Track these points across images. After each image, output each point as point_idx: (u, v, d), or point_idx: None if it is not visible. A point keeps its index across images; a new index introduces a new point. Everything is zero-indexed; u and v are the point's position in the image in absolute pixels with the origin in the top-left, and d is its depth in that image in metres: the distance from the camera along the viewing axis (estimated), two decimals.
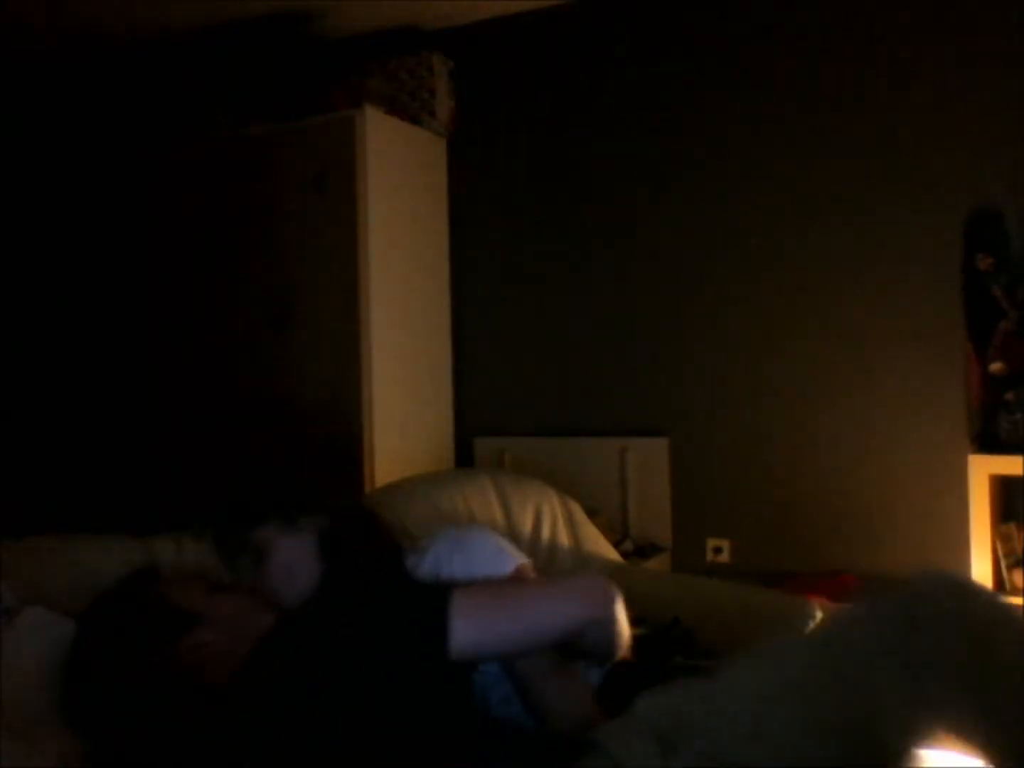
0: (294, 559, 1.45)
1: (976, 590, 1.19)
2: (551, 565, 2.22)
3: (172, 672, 1.23)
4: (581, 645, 1.35)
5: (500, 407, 3.02)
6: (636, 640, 1.88)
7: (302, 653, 1.22)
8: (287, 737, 1.13)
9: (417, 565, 1.48)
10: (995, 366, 2.30)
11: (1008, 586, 2.17)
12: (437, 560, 1.46)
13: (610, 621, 1.33)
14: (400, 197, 2.85)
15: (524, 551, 2.16)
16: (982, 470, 2.19)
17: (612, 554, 2.38)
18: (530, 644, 1.31)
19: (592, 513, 2.48)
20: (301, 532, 1.47)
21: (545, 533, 2.24)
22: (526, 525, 2.22)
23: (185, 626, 1.27)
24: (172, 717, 1.19)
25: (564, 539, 2.28)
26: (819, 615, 2.03)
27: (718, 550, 2.70)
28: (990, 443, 2.27)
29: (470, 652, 1.24)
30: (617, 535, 2.67)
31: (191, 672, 1.24)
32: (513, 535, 2.18)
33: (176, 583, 1.39)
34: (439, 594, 1.26)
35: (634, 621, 1.95)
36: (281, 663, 1.22)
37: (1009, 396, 2.27)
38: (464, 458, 3.04)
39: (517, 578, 1.46)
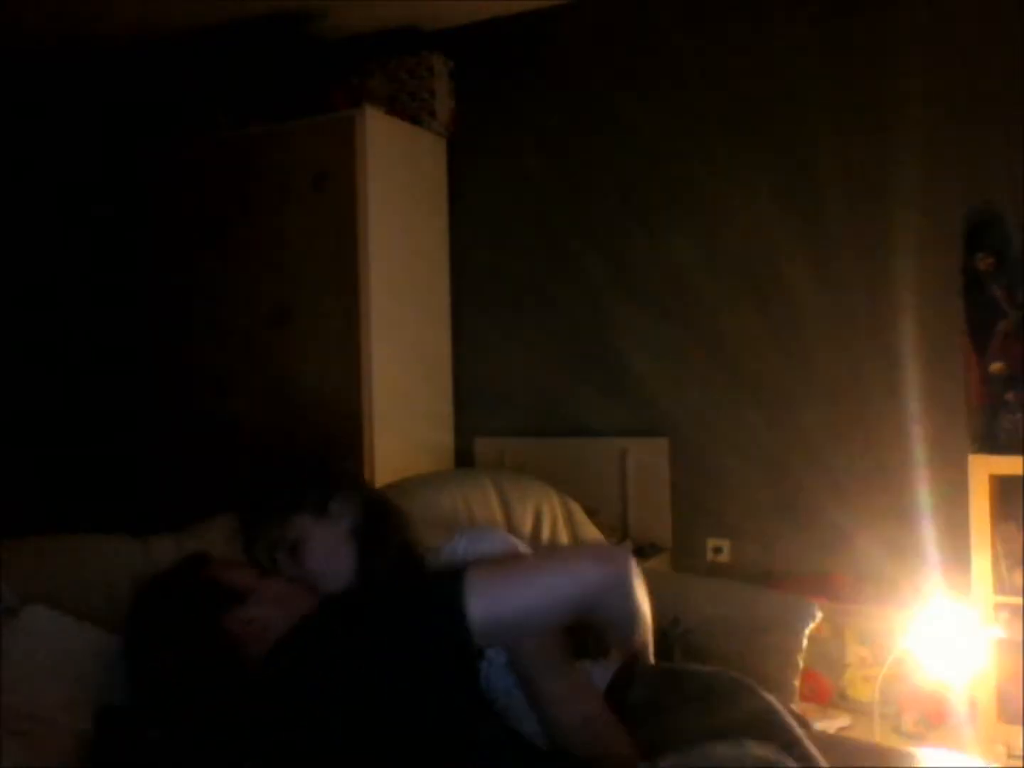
0: (331, 547, 1.46)
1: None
2: None
3: (220, 644, 1.28)
4: (598, 619, 1.34)
5: (500, 407, 3.01)
6: None
7: (322, 647, 1.24)
8: (304, 724, 1.15)
9: (436, 561, 1.50)
10: (995, 366, 2.30)
11: (1008, 586, 2.17)
12: (453, 552, 1.47)
13: (626, 588, 1.32)
14: (400, 197, 2.85)
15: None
16: (982, 470, 2.19)
17: None
18: (549, 612, 1.29)
19: (592, 513, 2.48)
20: (333, 519, 1.49)
21: (545, 533, 2.25)
22: (526, 525, 2.23)
23: (235, 600, 1.32)
24: (216, 688, 1.24)
25: (564, 539, 2.28)
26: (819, 615, 2.03)
27: (718, 550, 2.70)
28: (990, 443, 2.27)
29: (490, 625, 1.22)
30: (617, 535, 2.67)
31: (238, 646, 1.28)
32: (513, 535, 2.19)
33: (228, 564, 1.43)
34: (453, 573, 1.26)
35: None
36: (300, 655, 1.23)
37: (1009, 396, 2.27)
38: (464, 458, 3.03)
39: None
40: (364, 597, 1.35)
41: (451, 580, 1.24)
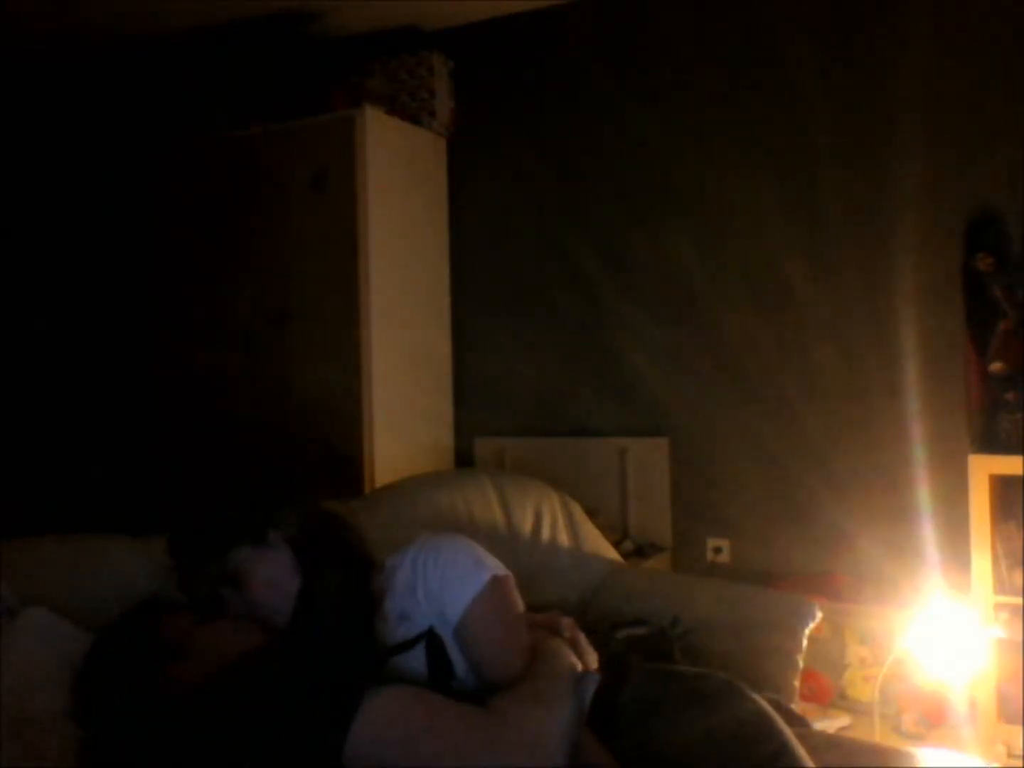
0: (274, 576, 1.43)
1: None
2: (551, 565, 2.22)
3: (157, 696, 1.28)
4: None
5: (500, 407, 3.01)
6: (636, 640, 1.89)
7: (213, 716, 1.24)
8: None
9: (394, 572, 1.45)
10: (995, 366, 2.30)
11: (1008, 586, 2.17)
12: (414, 569, 1.41)
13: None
14: (400, 197, 2.85)
15: (524, 551, 2.17)
16: (982, 470, 2.19)
17: (612, 554, 2.39)
18: None
19: (592, 513, 2.48)
20: (274, 547, 1.45)
21: (545, 533, 2.25)
22: (526, 525, 2.23)
23: (168, 658, 1.31)
24: (157, 735, 1.24)
25: (564, 539, 2.28)
26: (819, 615, 2.03)
27: (718, 550, 2.70)
28: (990, 443, 2.27)
29: (365, 761, 1.16)
30: (617, 535, 2.67)
31: (173, 696, 1.27)
32: (513, 535, 2.19)
33: (169, 616, 1.41)
34: (350, 698, 1.18)
35: (634, 621, 1.96)
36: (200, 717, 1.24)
37: (1009, 396, 2.27)
38: (464, 458, 3.03)
39: (497, 592, 1.39)
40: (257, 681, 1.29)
41: (344, 709, 1.17)
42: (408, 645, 1.39)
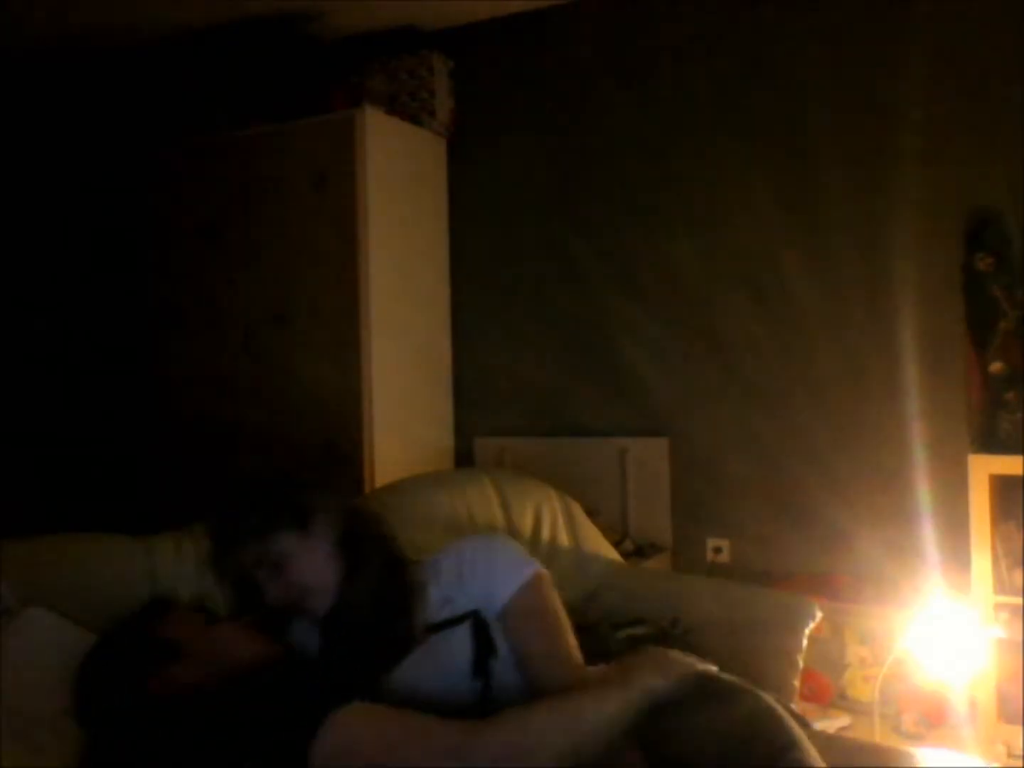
0: (316, 564, 1.44)
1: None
2: (551, 565, 2.22)
3: (151, 696, 1.28)
4: None
5: (500, 407, 3.02)
6: (636, 640, 1.89)
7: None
8: None
9: (439, 565, 1.49)
10: (995, 366, 2.30)
11: (1008, 586, 2.17)
12: (461, 559, 1.47)
13: None
14: (400, 197, 2.85)
15: None
16: (982, 470, 2.19)
17: (612, 554, 2.38)
18: None
19: (592, 513, 2.48)
20: (317, 535, 1.46)
21: (545, 533, 2.25)
22: (526, 525, 2.22)
23: (167, 658, 1.32)
24: (154, 735, 1.24)
25: (564, 539, 2.28)
26: (819, 615, 2.03)
27: (718, 550, 2.70)
28: (990, 443, 2.27)
29: None
30: (617, 535, 2.66)
31: (168, 697, 1.28)
32: (513, 535, 2.18)
33: (175, 616, 1.42)
34: (317, 709, 1.17)
35: (634, 621, 1.96)
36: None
37: (1009, 396, 2.27)
38: (464, 458, 3.03)
39: (543, 585, 1.45)
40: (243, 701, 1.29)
41: (310, 723, 1.15)
42: (452, 622, 1.43)
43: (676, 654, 1.38)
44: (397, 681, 1.38)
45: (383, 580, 1.46)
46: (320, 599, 1.42)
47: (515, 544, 1.55)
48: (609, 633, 1.88)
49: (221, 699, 1.25)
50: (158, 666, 1.31)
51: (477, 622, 1.43)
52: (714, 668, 1.39)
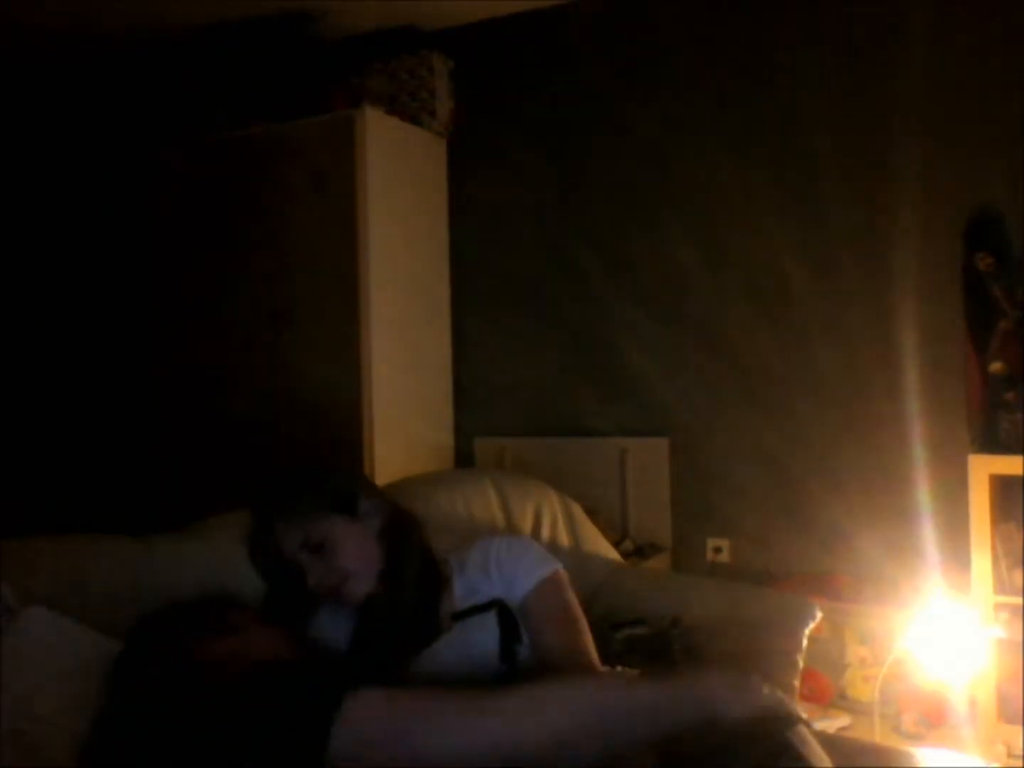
0: (361, 548, 1.46)
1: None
2: None
3: (192, 663, 1.28)
4: None
5: (500, 407, 3.02)
6: (636, 640, 1.89)
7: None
8: None
9: (464, 560, 1.54)
10: (995, 366, 2.30)
11: (1008, 586, 2.17)
12: (486, 555, 1.52)
13: None
14: (400, 197, 2.85)
15: None
16: (982, 470, 2.19)
17: (612, 554, 2.39)
18: None
19: (592, 513, 2.48)
20: (364, 519, 1.48)
21: (545, 533, 2.25)
22: (526, 525, 2.22)
23: (217, 632, 1.34)
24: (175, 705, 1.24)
25: (564, 539, 2.28)
26: (819, 615, 2.03)
27: (718, 550, 2.70)
28: (990, 443, 2.27)
29: (350, 761, 1.13)
30: (617, 535, 2.67)
31: (207, 668, 1.28)
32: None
33: (236, 606, 1.44)
34: (334, 692, 1.15)
35: (634, 621, 1.96)
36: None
37: (1009, 396, 2.27)
38: (464, 458, 3.03)
39: (563, 579, 1.51)
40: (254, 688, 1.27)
41: (327, 703, 1.14)
42: (476, 610, 1.47)
43: (762, 683, 1.23)
44: (422, 667, 1.41)
45: (421, 571, 1.49)
46: (360, 585, 1.43)
47: (539, 545, 1.61)
48: (609, 633, 1.88)
49: (256, 682, 1.25)
50: (210, 636, 1.32)
51: (503, 609, 1.47)
52: (801, 712, 1.26)
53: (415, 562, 1.49)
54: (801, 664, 1.95)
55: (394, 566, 1.46)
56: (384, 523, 1.50)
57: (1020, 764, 2.05)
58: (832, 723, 2.21)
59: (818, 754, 1.28)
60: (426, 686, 1.26)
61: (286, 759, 1.13)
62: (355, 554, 1.44)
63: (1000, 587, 2.17)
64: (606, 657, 1.51)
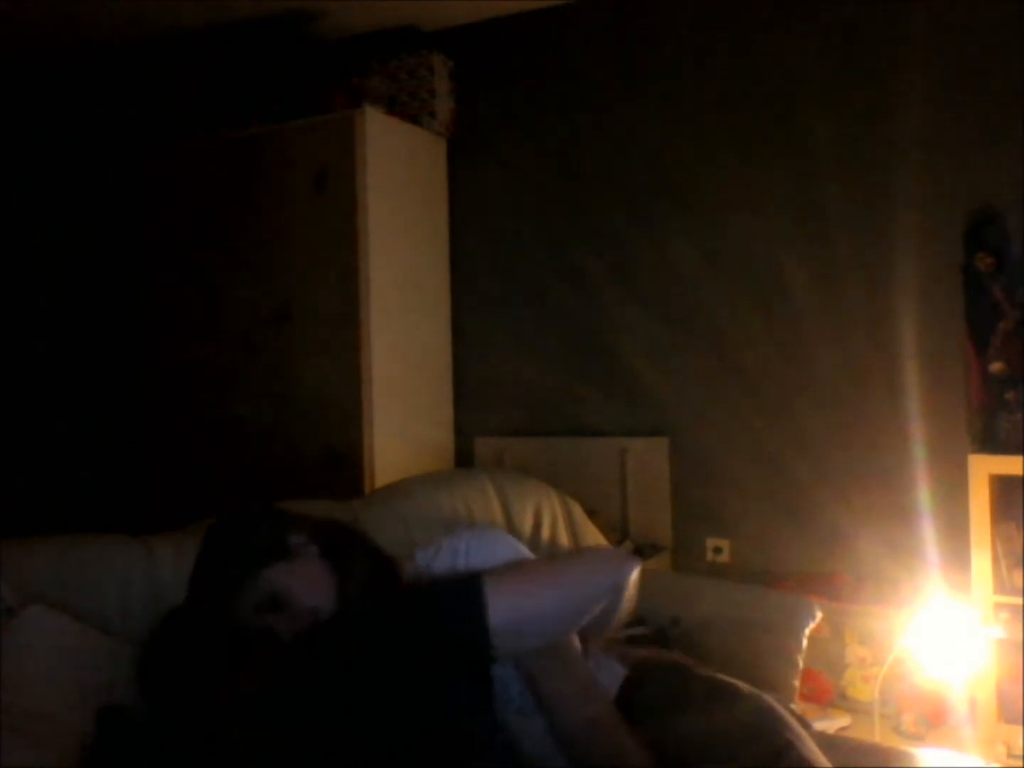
0: (310, 581, 1.40)
1: None
2: None
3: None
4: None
5: (500, 407, 3.02)
6: (636, 640, 1.89)
7: (340, 649, 1.25)
8: (312, 724, 1.15)
9: (431, 559, 1.49)
10: (995, 366, 2.30)
11: (1008, 586, 2.17)
12: (455, 554, 1.46)
13: (625, 588, 1.38)
14: (400, 197, 2.85)
15: None
16: (982, 470, 2.19)
17: None
18: (568, 620, 1.32)
19: (592, 513, 2.48)
20: (300, 556, 1.42)
21: (545, 533, 2.25)
22: (526, 525, 2.23)
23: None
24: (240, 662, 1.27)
25: (564, 539, 2.28)
26: (819, 615, 2.03)
27: (718, 550, 2.70)
28: (990, 443, 2.27)
29: (510, 635, 1.22)
30: (617, 535, 2.67)
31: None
32: (513, 535, 2.18)
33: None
34: (471, 581, 1.27)
35: (634, 621, 1.96)
36: (317, 656, 1.24)
37: (1009, 396, 2.27)
38: (464, 458, 3.03)
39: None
40: (382, 603, 1.34)
41: (470, 588, 1.24)
42: None
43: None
44: None
45: (373, 574, 1.45)
46: (328, 608, 1.39)
47: (508, 536, 1.54)
48: None
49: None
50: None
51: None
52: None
53: (363, 571, 1.44)
54: (801, 664, 1.96)
55: (344, 583, 1.42)
56: (321, 545, 1.45)
57: (1020, 764, 2.05)
58: (832, 723, 2.21)
59: (816, 751, 1.28)
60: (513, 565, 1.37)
61: (454, 647, 1.20)
62: (310, 590, 1.38)
63: (1000, 587, 2.17)
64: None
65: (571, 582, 1.34)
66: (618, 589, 1.38)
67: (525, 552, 1.49)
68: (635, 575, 1.40)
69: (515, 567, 1.38)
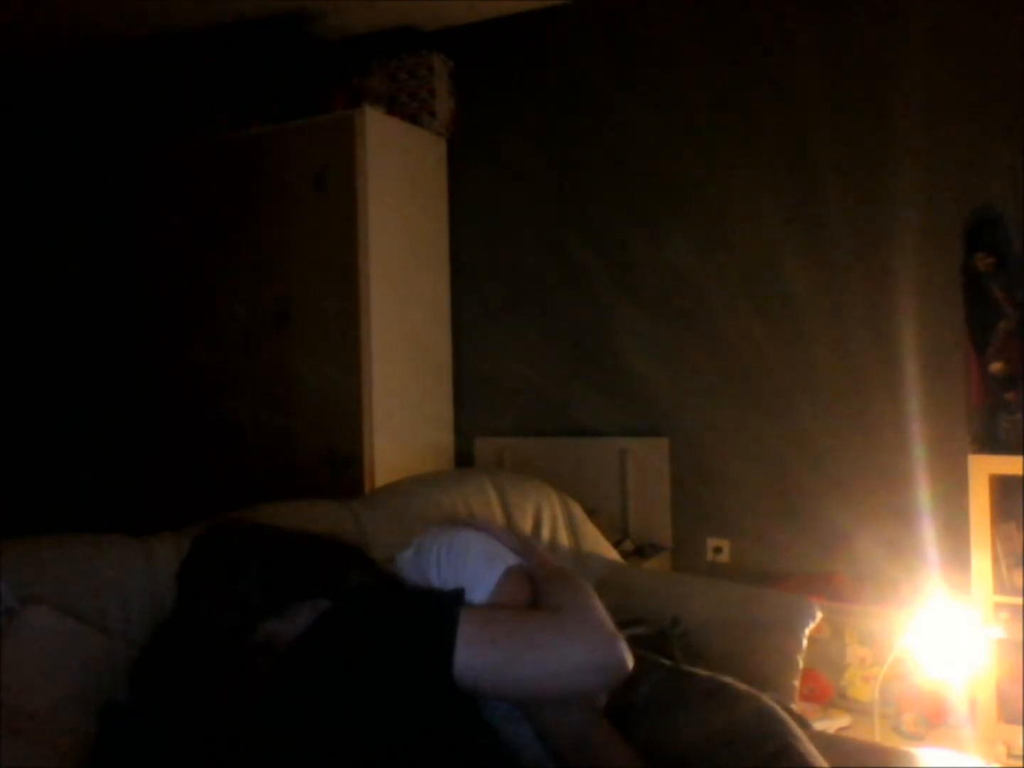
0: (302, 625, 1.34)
1: None
2: None
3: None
4: None
5: (500, 407, 3.02)
6: (636, 640, 1.89)
7: (325, 653, 1.23)
8: (300, 725, 1.15)
9: (409, 564, 1.44)
10: (995, 366, 2.30)
11: (1008, 586, 2.17)
12: (427, 560, 1.41)
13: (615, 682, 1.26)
14: (400, 197, 2.85)
15: None
16: (982, 470, 2.19)
17: (612, 554, 2.39)
18: (533, 693, 1.25)
19: (592, 513, 2.48)
20: (289, 609, 1.34)
21: (545, 533, 2.25)
22: (526, 525, 2.22)
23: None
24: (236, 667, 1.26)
25: (564, 539, 2.28)
26: (819, 615, 2.03)
27: (718, 550, 2.70)
28: (990, 443, 2.27)
29: (471, 683, 1.19)
30: (617, 535, 2.67)
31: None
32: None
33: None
34: (448, 615, 1.22)
35: (634, 621, 1.96)
36: (306, 659, 1.23)
37: (1009, 396, 2.27)
38: (464, 458, 3.03)
39: (510, 583, 1.36)
40: (379, 604, 1.32)
41: (445, 624, 1.19)
42: None
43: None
44: None
45: (363, 578, 1.42)
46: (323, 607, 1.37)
47: (480, 543, 1.44)
48: None
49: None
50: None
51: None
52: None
53: (353, 572, 1.41)
54: (801, 664, 1.95)
55: (335, 583, 1.38)
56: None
57: (1020, 764, 2.05)
58: (832, 723, 2.21)
59: (814, 752, 1.28)
60: (498, 608, 1.30)
61: (415, 676, 1.17)
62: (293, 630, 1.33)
63: (1000, 587, 2.17)
64: None
65: (548, 664, 1.21)
66: (604, 686, 1.28)
67: (500, 561, 1.39)
68: (628, 667, 1.23)
69: (495, 618, 1.26)
